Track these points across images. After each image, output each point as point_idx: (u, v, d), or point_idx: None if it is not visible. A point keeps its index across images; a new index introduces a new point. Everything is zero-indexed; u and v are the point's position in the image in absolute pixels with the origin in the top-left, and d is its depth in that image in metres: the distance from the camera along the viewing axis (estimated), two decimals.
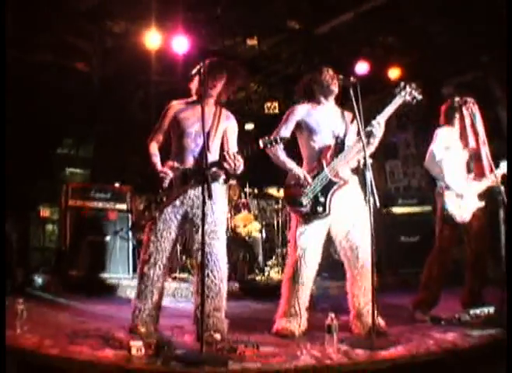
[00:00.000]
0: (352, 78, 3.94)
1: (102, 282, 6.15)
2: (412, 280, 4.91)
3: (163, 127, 4.02)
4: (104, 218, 6.49)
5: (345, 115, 4.22)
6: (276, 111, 8.10)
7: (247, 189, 7.82)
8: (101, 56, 6.68)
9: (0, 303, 3.49)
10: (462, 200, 4.58)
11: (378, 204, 3.64)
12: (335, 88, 4.15)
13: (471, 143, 4.32)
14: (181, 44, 6.26)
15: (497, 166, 4.63)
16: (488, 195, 4.43)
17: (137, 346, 3.29)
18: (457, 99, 4.44)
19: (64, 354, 3.19)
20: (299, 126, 4.20)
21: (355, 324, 4.04)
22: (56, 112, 7.22)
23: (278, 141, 3.66)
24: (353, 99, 3.83)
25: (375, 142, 4.06)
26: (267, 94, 8.36)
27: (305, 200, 4.02)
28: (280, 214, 7.67)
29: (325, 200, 4.00)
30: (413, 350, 3.36)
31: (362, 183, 4.01)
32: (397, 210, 7.37)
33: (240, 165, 3.70)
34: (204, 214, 3.36)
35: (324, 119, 4.16)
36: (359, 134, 3.89)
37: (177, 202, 3.89)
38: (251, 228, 7.30)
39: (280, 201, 7.62)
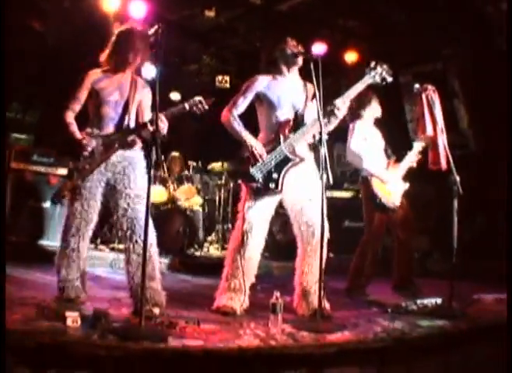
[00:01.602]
0: (313, 54, 3.76)
1: (40, 249, 5.73)
2: None
3: (79, 96, 3.74)
4: (46, 183, 6.04)
5: (307, 88, 3.96)
6: (227, 85, 7.72)
7: (191, 163, 7.49)
8: (58, 16, 6.11)
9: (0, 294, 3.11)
10: (388, 185, 4.60)
11: (331, 181, 3.42)
12: (299, 60, 3.87)
13: (429, 131, 4.19)
14: (138, 9, 5.89)
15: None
16: (443, 185, 4.33)
17: (72, 317, 3.00)
18: (417, 85, 4.30)
19: None
20: (259, 98, 3.92)
21: (299, 304, 3.83)
22: (5, 71, 6.64)
23: (204, 104, 3.55)
24: (313, 74, 3.59)
25: (336, 121, 3.84)
26: (219, 68, 7.96)
27: (258, 175, 3.75)
28: (222, 190, 7.40)
29: (278, 176, 3.74)
30: (361, 336, 3.17)
31: (317, 161, 3.79)
32: (342, 194, 7.21)
33: (164, 127, 3.60)
34: (150, 179, 3.11)
35: (285, 92, 3.89)
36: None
37: (102, 169, 3.69)
38: (193, 201, 6.96)
39: (223, 177, 7.34)
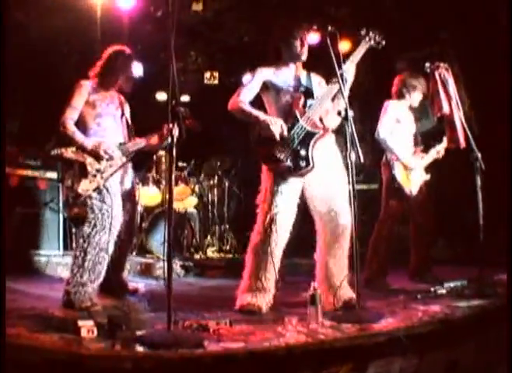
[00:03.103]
0: (329, 28, 3.41)
1: (30, 258, 5.18)
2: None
3: (76, 106, 3.66)
4: (34, 188, 5.47)
5: (311, 77, 3.70)
6: (216, 82, 7.29)
7: (182, 164, 6.99)
8: (42, 7, 5.50)
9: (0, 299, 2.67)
10: (411, 173, 4.44)
11: (362, 159, 3.12)
12: (304, 54, 3.66)
13: (445, 108, 3.91)
14: (127, 0, 5.45)
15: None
16: (462, 161, 4.05)
17: (87, 327, 2.54)
18: (427, 64, 4.07)
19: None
20: (265, 85, 3.63)
21: (326, 299, 3.40)
22: None
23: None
24: (331, 48, 3.32)
25: (346, 89, 3.55)
26: (206, 65, 7.49)
27: (283, 155, 3.37)
28: (216, 191, 6.97)
29: (307, 152, 3.39)
30: (406, 322, 2.85)
31: (339, 143, 3.62)
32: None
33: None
34: (172, 158, 2.74)
35: (291, 78, 3.64)
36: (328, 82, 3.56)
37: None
38: (187, 203, 6.49)
39: (216, 176, 6.91)
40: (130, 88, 3.91)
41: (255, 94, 3.63)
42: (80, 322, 2.56)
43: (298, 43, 3.62)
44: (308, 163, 3.39)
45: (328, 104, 3.56)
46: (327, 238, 3.51)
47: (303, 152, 3.40)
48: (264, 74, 3.62)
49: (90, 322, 2.58)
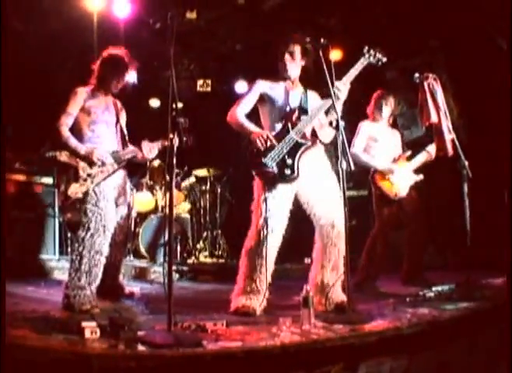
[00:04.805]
0: (322, 40, 3.58)
1: (27, 263, 5.31)
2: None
3: (72, 112, 3.81)
4: (30, 193, 5.60)
5: (307, 94, 3.87)
6: (209, 89, 7.35)
7: (175, 170, 7.14)
8: (39, 15, 5.60)
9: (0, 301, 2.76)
10: (391, 176, 4.63)
11: (353, 167, 3.30)
12: (292, 72, 3.81)
13: (433, 117, 4.10)
14: (122, 9, 5.63)
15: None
16: (451, 169, 4.25)
17: (91, 328, 2.66)
18: (417, 74, 4.26)
19: (7, 340, 2.46)
20: (262, 98, 3.83)
21: (318, 301, 3.62)
22: None
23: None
24: (323, 60, 3.48)
25: (339, 105, 3.70)
26: (198, 72, 7.60)
27: (271, 163, 3.56)
28: (208, 196, 7.13)
29: (293, 162, 3.59)
30: (396, 323, 3.00)
31: (328, 151, 3.88)
32: None
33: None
34: (172, 168, 2.92)
35: (287, 91, 3.81)
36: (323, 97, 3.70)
37: (113, 175, 3.85)
38: (180, 208, 6.67)
39: (208, 182, 7.07)
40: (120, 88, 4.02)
41: (252, 106, 3.82)
42: (84, 324, 2.67)
43: (287, 59, 3.76)
44: (293, 171, 3.58)
45: (322, 118, 3.72)
46: (324, 240, 3.69)
47: (289, 161, 3.59)
48: (262, 86, 3.81)
49: (93, 324, 2.69)
